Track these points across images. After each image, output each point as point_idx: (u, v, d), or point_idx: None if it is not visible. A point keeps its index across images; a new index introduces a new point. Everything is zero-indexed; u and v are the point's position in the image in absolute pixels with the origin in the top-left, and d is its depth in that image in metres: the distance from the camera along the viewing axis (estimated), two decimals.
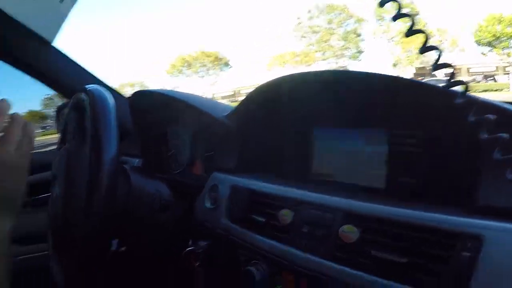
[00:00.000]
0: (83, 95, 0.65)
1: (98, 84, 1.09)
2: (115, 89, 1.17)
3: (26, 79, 1.04)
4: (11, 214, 0.48)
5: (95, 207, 0.57)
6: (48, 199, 0.78)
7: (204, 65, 30.57)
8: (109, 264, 0.72)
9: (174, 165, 1.04)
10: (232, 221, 0.72)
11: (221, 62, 30.71)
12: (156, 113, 1.01)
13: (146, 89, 1.01)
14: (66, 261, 0.68)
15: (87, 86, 0.64)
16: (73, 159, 0.68)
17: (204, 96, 1.20)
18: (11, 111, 0.49)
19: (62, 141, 0.80)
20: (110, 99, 0.61)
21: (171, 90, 1.02)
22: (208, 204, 0.79)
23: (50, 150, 1.40)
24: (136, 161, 1.07)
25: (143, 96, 1.02)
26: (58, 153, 0.75)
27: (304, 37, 26.19)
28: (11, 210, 0.48)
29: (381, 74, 0.57)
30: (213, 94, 29.70)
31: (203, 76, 30.91)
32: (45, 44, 1.04)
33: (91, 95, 0.61)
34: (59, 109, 0.98)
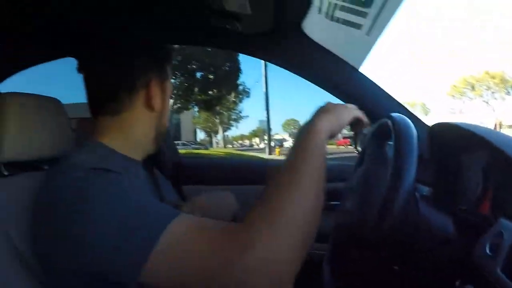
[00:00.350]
0: (387, 122, 0.71)
1: (400, 109, 1.18)
2: (414, 114, 1.22)
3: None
4: None
5: (385, 228, 0.62)
6: (334, 207, 0.90)
7: (489, 88, 27.32)
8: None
9: (462, 200, 1.01)
10: (508, 276, 0.63)
11: (507, 85, 26.66)
12: (453, 145, 1.01)
13: (446, 122, 1.03)
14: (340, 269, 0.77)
15: (392, 114, 0.70)
16: (370, 180, 0.75)
17: (493, 127, 1.09)
18: None
19: (360, 161, 0.89)
20: (414, 129, 0.64)
21: (470, 124, 0.99)
22: (487, 250, 0.72)
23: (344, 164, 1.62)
24: (426, 189, 1.09)
25: (442, 128, 1.03)
26: (355, 171, 0.86)
27: None
28: None
29: None
30: (499, 121, 25.84)
31: (487, 101, 27.53)
32: (353, 70, 1.20)
33: (396, 124, 0.67)
34: (358, 132, 1.12)
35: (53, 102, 0.96)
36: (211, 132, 32.50)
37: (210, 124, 30.40)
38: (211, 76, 18.63)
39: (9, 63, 1.64)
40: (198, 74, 18.92)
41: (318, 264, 1.02)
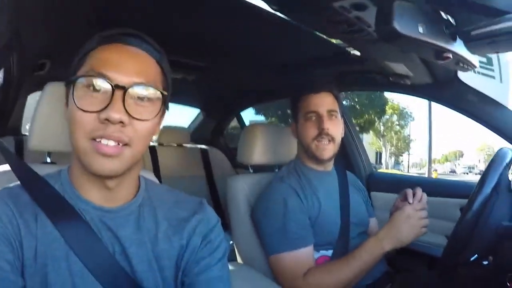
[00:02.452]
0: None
1: None
2: None
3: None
4: None
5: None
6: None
7: None
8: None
9: None
10: None
11: None
12: None
13: None
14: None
15: None
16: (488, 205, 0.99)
17: None
18: None
19: (481, 184, 1.03)
20: None
21: None
22: None
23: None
24: None
25: None
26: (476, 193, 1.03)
27: None
28: None
29: None
30: None
31: None
32: (504, 108, 1.43)
33: None
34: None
35: (283, 129, 1.64)
36: (380, 153, 31.66)
37: (375, 147, 29.78)
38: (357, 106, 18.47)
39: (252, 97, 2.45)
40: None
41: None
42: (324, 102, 1.32)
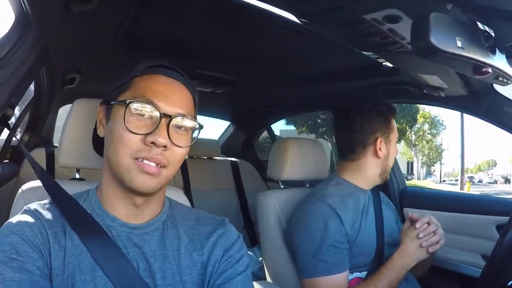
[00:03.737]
0: None
1: None
2: None
3: None
4: None
5: None
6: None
7: None
8: None
9: None
10: None
11: None
12: None
13: None
14: None
15: None
16: None
17: None
18: None
19: None
20: None
21: None
22: None
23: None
24: None
25: None
26: None
27: None
28: None
29: None
30: None
31: None
32: None
33: None
34: None
35: (315, 144, 1.62)
36: (412, 163, 30.85)
37: (408, 156, 29.04)
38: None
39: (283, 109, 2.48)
40: None
41: None
42: None
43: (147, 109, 0.69)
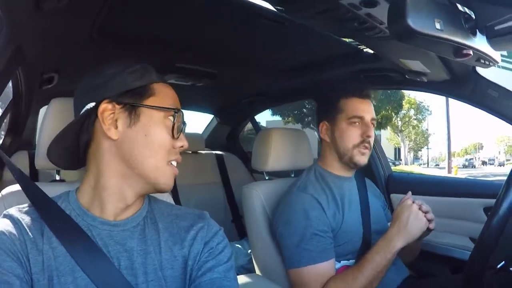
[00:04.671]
0: None
1: None
2: None
3: None
4: None
5: None
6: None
7: None
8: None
9: None
10: None
11: None
12: None
13: None
14: None
15: None
16: None
17: None
18: None
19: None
20: None
21: None
22: None
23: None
24: None
25: None
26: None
27: None
28: None
29: None
30: None
31: None
32: None
33: None
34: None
35: (299, 133, 1.60)
36: (399, 149, 31.34)
37: (395, 142, 29.48)
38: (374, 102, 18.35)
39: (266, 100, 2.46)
40: None
41: None
42: (369, 109, 1.31)
43: (180, 118, 0.76)
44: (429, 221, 1.14)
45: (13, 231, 0.66)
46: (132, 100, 0.73)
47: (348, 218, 1.25)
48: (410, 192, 1.20)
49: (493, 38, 0.67)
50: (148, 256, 0.73)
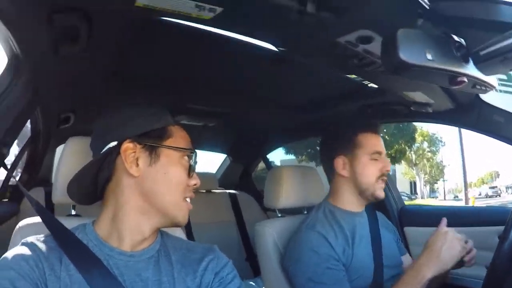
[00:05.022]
0: None
1: None
2: None
3: None
4: None
5: None
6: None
7: None
8: None
9: None
10: None
11: None
12: None
13: None
14: None
15: None
16: None
17: None
18: None
19: None
20: None
21: None
22: None
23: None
24: None
25: None
26: None
27: None
28: None
29: None
30: None
31: None
32: None
33: None
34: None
35: (310, 170, 1.62)
36: (414, 183, 30.67)
37: (410, 176, 28.92)
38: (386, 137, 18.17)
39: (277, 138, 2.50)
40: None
41: None
42: (382, 143, 1.34)
43: (192, 158, 0.83)
44: (467, 253, 1.09)
45: (32, 258, 0.69)
46: (152, 141, 0.79)
47: (358, 253, 1.24)
48: (445, 219, 1.15)
49: (481, 63, 0.70)
50: (162, 285, 0.76)
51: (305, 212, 1.56)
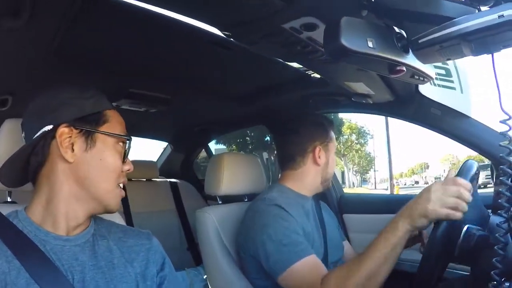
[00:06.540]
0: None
1: None
2: None
3: None
4: None
5: None
6: None
7: None
8: None
9: None
10: None
11: None
12: None
13: None
14: None
15: None
16: None
17: None
18: None
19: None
20: None
21: None
22: None
23: None
24: None
25: None
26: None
27: None
28: None
29: None
30: None
31: None
32: (465, 117, 1.48)
33: None
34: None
35: (252, 158, 1.61)
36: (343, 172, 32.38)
37: (340, 166, 30.50)
38: None
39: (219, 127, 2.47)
40: None
41: None
42: None
43: (127, 144, 0.83)
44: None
45: None
46: (89, 126, 0.78)
47: (312, 230, 1.28)
48: (453, 171, 1.03)
49: (419, 51, 0.72)
50: (100, 271, 0.76)
51: (246, 200, 1.55)
